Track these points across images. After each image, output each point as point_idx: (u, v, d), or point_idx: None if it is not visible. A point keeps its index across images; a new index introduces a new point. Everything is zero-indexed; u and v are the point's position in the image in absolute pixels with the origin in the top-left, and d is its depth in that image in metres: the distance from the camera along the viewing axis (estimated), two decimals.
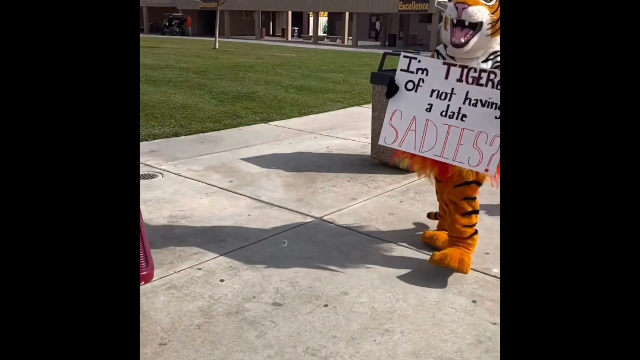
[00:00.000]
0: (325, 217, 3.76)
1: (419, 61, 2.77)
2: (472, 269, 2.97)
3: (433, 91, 2.73)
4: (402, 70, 2.82)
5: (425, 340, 2.34)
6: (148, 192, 4.18)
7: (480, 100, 2.64)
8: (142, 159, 5.04)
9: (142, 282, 2.06)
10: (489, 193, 3.45)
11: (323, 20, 43.70)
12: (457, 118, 2.69)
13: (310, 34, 38.33)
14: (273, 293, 2.70)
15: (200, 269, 2.94)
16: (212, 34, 28.03)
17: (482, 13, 2.59)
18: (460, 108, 2.67)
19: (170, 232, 3.43)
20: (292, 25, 40.66)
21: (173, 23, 40.02)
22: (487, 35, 2.66)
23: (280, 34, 42.59)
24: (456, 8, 2.60)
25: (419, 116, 2.76)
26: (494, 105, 2.61)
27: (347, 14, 35.31)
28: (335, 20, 43.07)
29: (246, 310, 2.54)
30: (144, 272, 2.06)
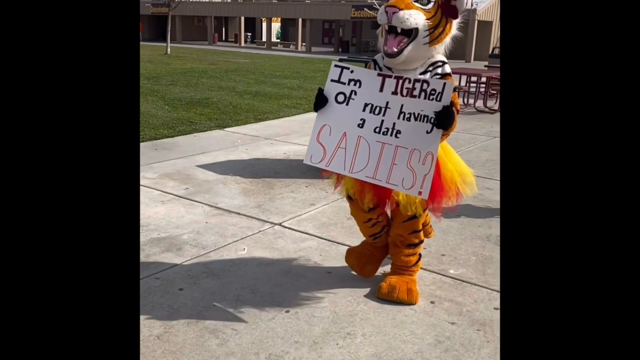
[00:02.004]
0: (284, 223, 3.76)
1: (352, 71, 2.51)
2: (429, 270, 3.05)
3: (366, 105, 2.47)
4: (332, 80, 2.53)
5: (386, 342, 2.38)
6: None
7: (413, 114, 2.39)
8: None
9: None
10: None
11: (276, 26, 43.68)
12: (391, 135, 2.43)
13: (264, 39, 38.22)
14: (234, 300, 2.68)
15: (158, 278, 2.89)
16: (164, 39, 27.56)
17: (416, 18, 2.31)
18: (394, 124, 2.43)
19: None
20: (245, 31, 40.44)
21: None
22: (425, 44, 2.39)
23: (233, 40, 42.25)
24: (386, 12, 2.33)
25: (350, 132, 2.49)
26: (425, 119, 2.37)
27: (300, 20, 35.47)
28: (288, 26, 43.12)
29: (207, 318, 2.51)
30: None
